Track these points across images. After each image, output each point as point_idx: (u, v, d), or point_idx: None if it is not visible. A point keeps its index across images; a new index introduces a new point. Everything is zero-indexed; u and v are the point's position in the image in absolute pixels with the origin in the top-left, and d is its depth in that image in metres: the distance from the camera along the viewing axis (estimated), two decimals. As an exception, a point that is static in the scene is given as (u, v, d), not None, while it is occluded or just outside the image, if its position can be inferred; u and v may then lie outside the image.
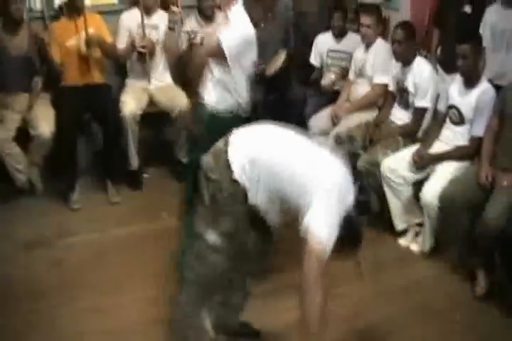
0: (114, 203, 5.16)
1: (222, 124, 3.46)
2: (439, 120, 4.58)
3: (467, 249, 4.06)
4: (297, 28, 5.90)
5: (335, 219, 2.68)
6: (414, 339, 3.60)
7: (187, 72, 5.38)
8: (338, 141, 4.96)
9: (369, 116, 5.15)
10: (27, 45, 4.91)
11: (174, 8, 5.07)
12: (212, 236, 2.94)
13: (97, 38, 5.12)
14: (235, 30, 3.60)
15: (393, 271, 4.26)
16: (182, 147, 5.46)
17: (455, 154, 4.37)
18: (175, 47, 5.39)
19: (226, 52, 3.53)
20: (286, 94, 5.71)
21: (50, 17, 5.40)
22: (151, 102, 5.46)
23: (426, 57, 5.01)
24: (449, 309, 3.85)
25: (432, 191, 4.21)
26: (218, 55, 3.57)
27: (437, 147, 4.47)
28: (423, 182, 4.36)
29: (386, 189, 4.54)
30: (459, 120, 4.36)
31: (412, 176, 4.46)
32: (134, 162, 5.39)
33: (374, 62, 5.13)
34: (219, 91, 3.69)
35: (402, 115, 4.88)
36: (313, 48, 5.71)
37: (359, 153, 4.85)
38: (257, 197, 2.85)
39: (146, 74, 5.41)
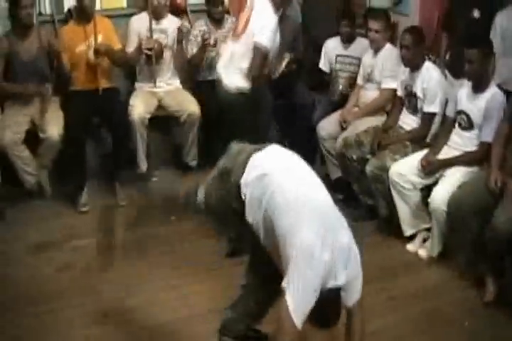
0: (122, 206, 5.16)
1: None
2: (447, 125, 4.57)
3: (476, 254, 4.05)
4: (306, 32, 5.90)
5: (308, 291, 2.54)
6: (423, 345, 3.60)
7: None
8: (347, 145, 4.95)
9: (377, 121, 5.14)
10: (37, 49, 4.92)
11: (183, 25, 5.20)
12: None
13: (106, 48, 5.11)
14: (265, 26, 4.50)
15: (401, 277, 4.25)
16: (190, 150, 5.48)
17: (464, 159, 4.36)
18: (184, 54, 5.50)
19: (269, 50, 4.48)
20: (295, 99, 5.70)
21: (59, 21, 5.40)
22: (160, 106, 5.46)
23: (434, 62, 5.01)
24: (457, 315, 3.84)
25: (440, 196, 4.20)
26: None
27: (446, 152, 4.46)
28: (431, 187, 4.35)
29: (394, 194, 4.53)
30: (468, 125, 4.35)
31: (421, 181, 4.45)
32: (143, 165, 5.39)
33: (382, 67, 5.12)
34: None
35: (410, 120, 4.88)
36: (323, 53, 5.71)
37: (367, 158, 4.84)
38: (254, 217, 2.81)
39: (153, 78, 5.42)
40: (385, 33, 5.15)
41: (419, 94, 4.72)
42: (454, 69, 4.87)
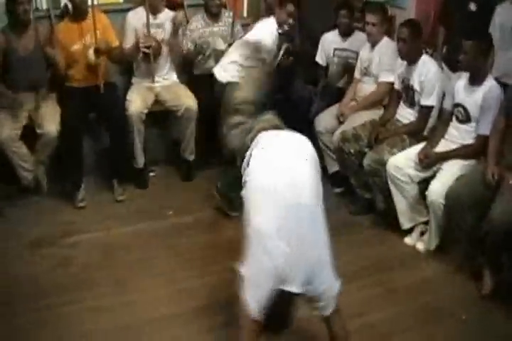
0: (120, 201, 5.17)
1: None
2: (444, 118, 4.56)
3: (473, 247, 4.06)
4: (303, 26, 5.89)
5: (257, 273, 2.72)
6: (421, 338, 3.60)
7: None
8: (344, 139, 4.95)
9: (375, 114, 5.14)
10: (34, 45, 4.91)
11: (179, 15, 5.17)
12: None
13: (106, 46, 5.10)
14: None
15: (398, 270, 4.26)
16: (188, 145, 5.47)
17: (461, 152, 4.36)
18: (179, 48, 5.47)
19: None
20: (292, 93, 5.70)
21: (56, 16, 5.36)
22: (157, 101, 5.46)
23: (432, 55, 5.00)
24: (455, 308, 3.85)
25: (437, 189, 4.21)
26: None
27: (443, 145, 4.46)
28: (429, 180, 4.36)
29: (392, 187, 4.53)
30: (465, 118, 4.35)
31: (418, 174, 4.45)
32: (140, 160, 5.39)
33: (380, 61, 5.12)
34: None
35: (407, 113, 4.88)
36: (320, 47, 5.71)
37: (365, 152, 4.84)
38: None
39: (151, 74, 5.40)
40: (382, 27, 5.14)
41: (417, 87, 4.72)
42: (451, 62, 4.85)
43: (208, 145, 5.28)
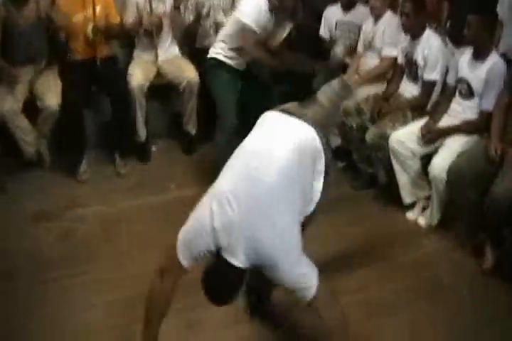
0: (122, 175, 5.17)
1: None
2: (448, 93, 4.55)
3: (475, 223, 4.07)
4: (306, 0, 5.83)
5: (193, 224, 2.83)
6: (421, 313, 3.62)
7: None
8: (347, 113, 4.94)
9: (378, 89, 5.12)
10: (34, 17, 4.86)
11: None
12: None
13: (104, 25, 5.05)
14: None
15: (400, 245, 4.28)
16: (190, 119, 5.46)
17: (464, 128, 4.35)
18: (181, 23, 5.46)
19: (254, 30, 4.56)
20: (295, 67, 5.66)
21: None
22: (159, 74, 5.43)
23: (435, 29, 4.96)
24: (456, 283, 3.87)
25: (440, 165, 4.20)
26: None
27: (446, 121, 4.45)
28: (431, 155, 4.35)
29: (394, 162, 4.53)
30: (468, 93, 4.33)
31: (421, 150, 4.45)
32: (142, 134, 5.39)
33: (383, 35, 5.08)
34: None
35: (410, 88, 4.86)
36: (323, 20, 5.67)
37: (367, 126, 4.83)
38: None
39: (153, 48, 5.37)
40: (386, 0, 5.11)
41: (420, 61, 4.69)
42: (455, 37, 4.82)
43: (209, 118, 5.26)
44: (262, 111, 3.09)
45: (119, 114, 5.13)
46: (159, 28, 5.28)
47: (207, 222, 2.65)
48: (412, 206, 4.62)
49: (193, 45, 5.74)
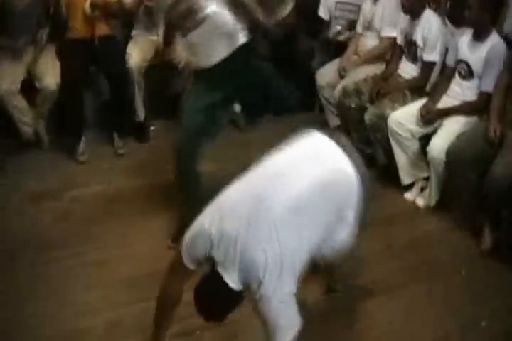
0: (120, 155, 5.17)
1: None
2: (447, 74, 4.54)
3: (473, 204, 4.09)
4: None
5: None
6: (419, 294, 3.64)
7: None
8: (345, 94, 4.93)
9: (377, 69, 5.11)
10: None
11: None
12: None
13: (102, 2, 4.99)
14: None
15: (398, 226, 4.29)
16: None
17: (463, 109, 4.35)
18: None
19: None
20: (294, 46, 5.65)
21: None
22: (158, 53, 5.40)
23: (435, 10, 4.94)
24: (454, 264, 3.89)
25: (439, 146, 4.21)
26: None
27: (445, 102, 4.45)
28: (430, 136, 4.36)
29: (393, 143, 4.53)
30: (468, 74, 4.33)
31: (419, 130, 4.45)
32: (141, 114, 5.37)
33: (383, 15, 5.06)
34: None
35: (410, 69, 4.85)
36: (322, 0, 5.63)
37: (366, 107, 4.83)
38: None
39: (153, 27, 5.33)
40: (385, -20, 5.08)
41: (419, 42, 4.68)
42: (455, 17, 4.80)
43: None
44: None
45: (118, 94, 5.11)
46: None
47: (205, 228, 2.50)
48: (410, 187, 4.63)
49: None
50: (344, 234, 2.76)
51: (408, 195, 4.63)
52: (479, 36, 4.22)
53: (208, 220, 2.52)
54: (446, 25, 4.81)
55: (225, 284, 2.44)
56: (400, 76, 4.92)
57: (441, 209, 4.42)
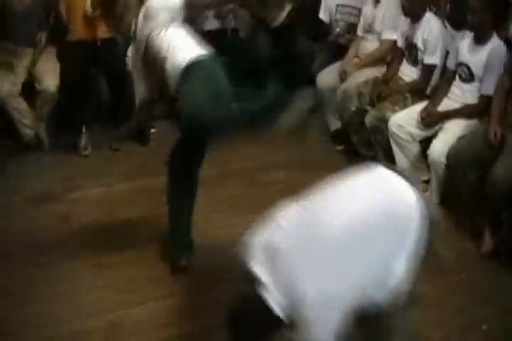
0: (121, 156, 5.18)
1: None
2: (447, 77, 4.54)
3: (474, 206, 4.08)
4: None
5: None
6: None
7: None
8: (346, 97, 4.93)
9: (377, 72, 5.12)
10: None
11: None
12: None
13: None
14: None
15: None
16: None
17: (464, 112, 4.35)
18: None
19: None
20: (294, 49, 5.65)
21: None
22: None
23: (435, 13, 4.95)
24: (454, 267, 3.87)
25: (439, 148, 4.21)
26: None
27: (446, 104, 4.45)
28: (431, 139, 4.35)
29: (393, 146, 4.54)
30: (469, 77, 4.33)
31: (420, 133, 4.45)
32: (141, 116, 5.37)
33: (383, 18, 5.07)
34: None
35: (410, 71, 4.86)
36: (322, 2, 5.63)
37: (367, 110, 4.83)
38: None
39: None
40: (385, -17, 5.09)
41: (420, 45, 4.69)
42: (455, 20, 4.81)
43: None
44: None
45: (118, 96, 5.13)
46: None
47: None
48: (411, 189, 4.62)
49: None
50: (401, 266, 2.35)
51: (409, 198, 4.61)
52: (480, 39, 4.22)
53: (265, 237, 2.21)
54: (446, 28, 4.82)
55: (266, 307, 2.11)
56: (400, 79, 4.92)
57: (442, 212, 4.40)
